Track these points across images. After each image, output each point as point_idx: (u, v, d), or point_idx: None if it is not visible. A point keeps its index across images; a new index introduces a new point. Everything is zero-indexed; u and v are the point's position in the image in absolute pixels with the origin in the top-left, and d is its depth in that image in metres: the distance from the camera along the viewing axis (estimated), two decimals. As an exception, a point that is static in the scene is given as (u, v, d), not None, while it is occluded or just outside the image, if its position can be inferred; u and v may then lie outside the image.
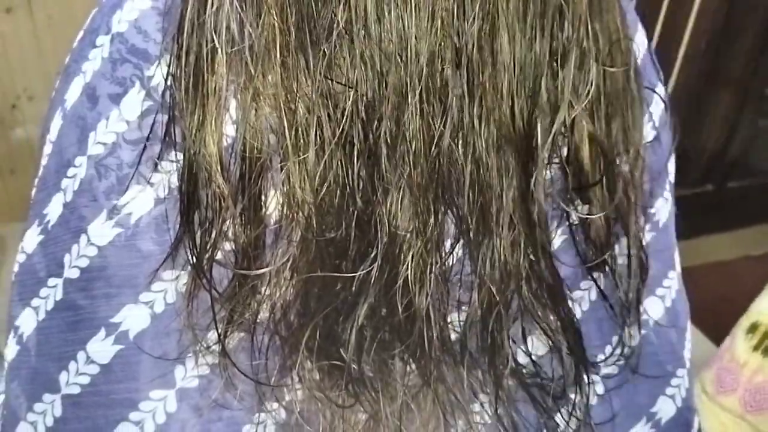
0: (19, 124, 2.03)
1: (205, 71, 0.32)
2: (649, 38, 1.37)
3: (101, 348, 0.37)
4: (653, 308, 0.46)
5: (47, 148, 0.39)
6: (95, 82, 0.36)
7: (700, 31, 1.71)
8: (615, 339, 0.44)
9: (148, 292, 0.36)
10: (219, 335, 0.36)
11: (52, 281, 0.37)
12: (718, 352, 0.98)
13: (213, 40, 0.31)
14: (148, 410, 0.37)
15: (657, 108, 0.46)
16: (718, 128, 2.08)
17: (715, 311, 1.14)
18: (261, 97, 0.32)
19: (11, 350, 0.40)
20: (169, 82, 0.34)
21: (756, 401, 0.87)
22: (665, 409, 0.46)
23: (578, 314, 0.42)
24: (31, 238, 0.39)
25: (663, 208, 0.47)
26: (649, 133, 0.44)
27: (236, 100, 0.33)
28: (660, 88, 0.46)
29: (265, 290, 0.36)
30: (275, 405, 0.39)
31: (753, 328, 0.91)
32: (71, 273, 0.36)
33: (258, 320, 0.37)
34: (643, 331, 0.45)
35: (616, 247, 0.42)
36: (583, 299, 0.43)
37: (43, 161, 0.40)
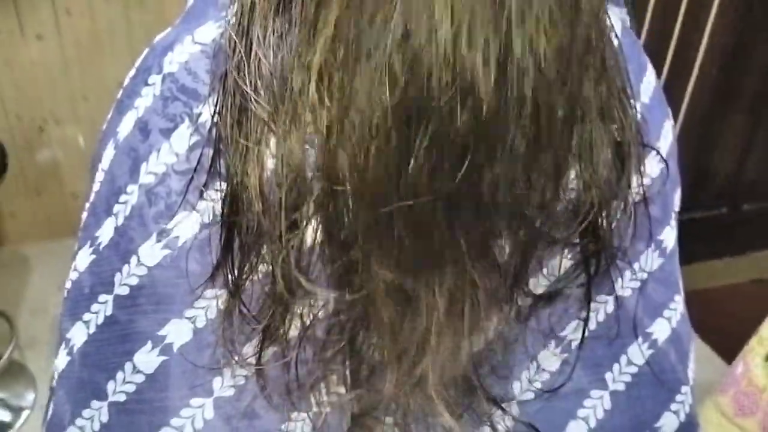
0: (45, 147, 2.09)
1: (247, 111, 0.36)
2: (663, 60, 1.40)
3: (147, 359, 0.40)
4: (660, 329, 0.48)
5: (99, 176, 0.43)
6: (147, 117, 0.40)
7: (713, 53, 1.73)
8: (623, 358, 0.47)
9: (191, 309, 0.40)
10: (255, 349, 0.39)
11: (102, 298, 0.41)
12: (733, 376, 1.00)
13: (254, 86, 0.35)
14: (187, 416, 0.41)
15: (665, 142, 0.49)
16: (732, 150, 2.09)
17: (727, 332, 1.16)
18: (297, 136, 0.35)
19: (61, 361, 0.44)
20: (215, 120, 0.37)
21: (777, 426, 0.89)
22: (669, 423, 0.48)
23: (593, 326, 0.45)
24: (83, 258, 0.42)
25: (669, 235, 0.49)
26: (656, 167, 0.47)
27: (275, 137, 0.36)
28: (668, 123, 0.49)
29: (296, 309, 0.39)
30: (303, 415, 0.42)
31: (770, 355, 0.94)
32: (121, 290, 0.40)
33: (289, 337, 0.40)
34: (651, 351, 0.48)
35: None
36: (598, 312, 0.46)
37: (95, 187, 0.43)
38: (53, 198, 2.17)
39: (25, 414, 1.65)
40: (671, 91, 1.78)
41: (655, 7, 1.63)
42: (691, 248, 2.38)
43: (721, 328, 1.58)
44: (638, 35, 1.64)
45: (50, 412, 0.49)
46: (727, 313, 1.78)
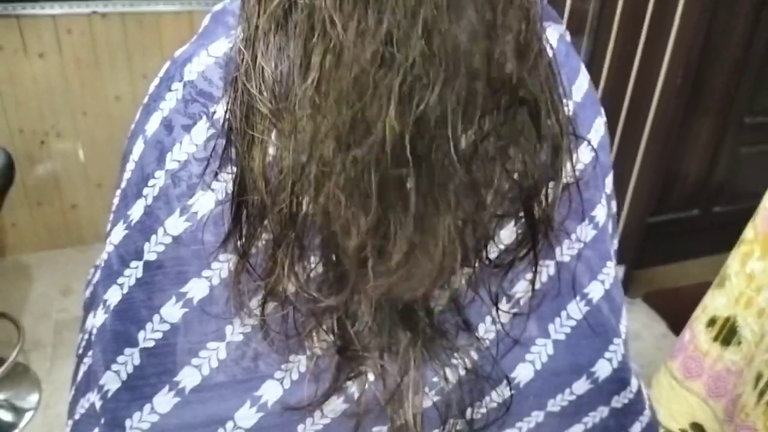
0: (46, 160, 2.17)
1: (253, 110, 0.45)
2: (629, 69, 1.51)
3: (172, 311, 0.49)
4: (595, 290, 0.57)
5: (130, 166, 0.52)
6: (171, 116, 0.49)
7: (677, 62, 1.81)
8: (563, 313, 0.56)
9: (207, 270, 0.48)
10: (259, 302, 0.48)
11: (134, 264, 0.50)
12: (681, 343, 1.09)
13: (259, 89, 0.44)
14: (205, 357, 0.49)
15: (596, 135, 0.57)
16: (701, 155, 2.18)
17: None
18: (295, 128, 0.44)
19: (99, 319, 0.52)
20: (227, 116, 0.46)
21: (717, 387, 0.98)
22: (603, 369, 0.57)
23: (538, 285, 0.54)
24: (117, 233, 0.51)
25: (601, 212, 0.57)
26: (588, 155, 0.56)
27: (276, 130, 0.45)
28: (599, 120, 0.58)
29: (293, 270, 0.48)
30: (299, 357, 0.50)
31: (711, 322, 1.03)
32: (150, 257, 0.49)
33: (288, 293, 0.48)
34: (587, 308, 0.56)
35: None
36: (542, 274, 0.55)
37: (126, 176, 0.52)
38: (53, 209, 2.25)
39: (28, 415, 1.70)
40: (638, 100, 1.86)
41: (620, 19, 1.72)
42: (664, 249, 2.47)
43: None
44: (605, 47, 1.75)
45: (86, 366, 0.58)
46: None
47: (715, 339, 1.02)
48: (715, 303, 1.06)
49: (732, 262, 1.08)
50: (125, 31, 2.05)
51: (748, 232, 1.09)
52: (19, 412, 1.72)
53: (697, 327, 1.06)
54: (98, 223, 2.31)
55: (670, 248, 2.27)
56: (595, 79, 1.77)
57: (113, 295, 0.51)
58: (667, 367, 1.08)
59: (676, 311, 1.19)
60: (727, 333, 1.01)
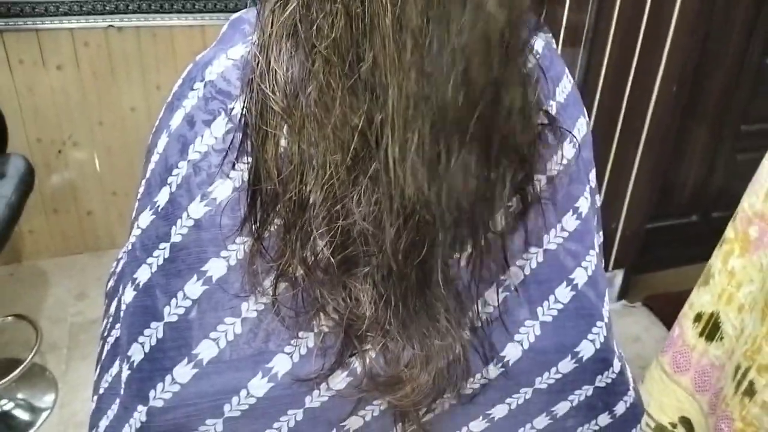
0: (63, 168, 2.23)
1: (266, 107, 0.49)
2: (626, 78, 1.56)
3: (194, 288, 0.53)
4: (580, 275, 0.60)
5: (154, 158, 0.56)
6: (193, 113, 0.54)
7: (673, 70, 1.84)
8: (551, 297, 0.59)
9: (225, 251, 0.53)
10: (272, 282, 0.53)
11: (162, 245, 0.54)
12: (671, 339, 1.13)
13: (272, 89, 0.49)
14: (222, 331, 0.53)
15: (579, 133, 0.61)
16: (699, 162, 2.22)
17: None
18: (304, 125, 0.49)
19: (129, 295, 0.57)
20: (244, 112, 0.51)
21: (703, 382, 1.02)
22: (586, 349, 0.60)
23: (527, 272, 0.58)
24: (145, 218, 0.56)
25: (584, 204, 0.61)
26: (571, 151, 0.60)
27: (287, 126, 0.50)
28: (582, 119, 0.62)
29: (302, 254, 0.52)
30: (308, 334, 0.54)
31: (698, 317, 1.07)
32: (176, 239, 0.54)
33: (297, 274, 0.53)
34: (573, 293, 0.60)
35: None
36: (527, 264, 0.59)
37: (151, 167, 0.57)
38: (69, 216, 2.31)
39: (45, 414, 1.75)
40: (635, 107, 1.90)
41: (616, 29, 1.76)
42: (663, 254, 2.49)
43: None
44: (601, 56, 1.80)
45: (110, 344, 0.63)
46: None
47: (701, 334, 1.06)
48: (700, 300, 1.11)
49: (715, 260, 1.12)
50: (140, 44, 2.11)
51: (729, 232, 1.13)
52: (35, 411, 1.76)
53: (685, 323, 1.10)
54: (113, 229, 2.36)
55: (669, 254, 2.30)
56: (591, 87, 1.82)
57: (142, 274, 0.56)
58: (658, 361, 1.11)
59: (675, 315, 1.23)
60: (711, 328, 1.05)
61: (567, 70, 0.63)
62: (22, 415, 1.76)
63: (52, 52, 2.04)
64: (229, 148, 0.52)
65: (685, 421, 1.12)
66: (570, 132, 0.60)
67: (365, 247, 0.51)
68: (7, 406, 1.78)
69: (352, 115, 0.48)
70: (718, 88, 2.09)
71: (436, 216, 0.49)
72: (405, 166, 0.48)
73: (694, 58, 1.90)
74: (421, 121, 0.47)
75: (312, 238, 0.51)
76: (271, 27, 0.50)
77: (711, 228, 2.36)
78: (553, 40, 0.65)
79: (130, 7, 2.07)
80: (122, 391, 0.57)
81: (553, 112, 0.58)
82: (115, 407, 0.60)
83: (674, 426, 1.17)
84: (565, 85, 0.62)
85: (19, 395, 1.80)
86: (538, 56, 0.57)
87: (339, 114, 0.48)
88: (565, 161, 0.59)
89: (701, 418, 1.07)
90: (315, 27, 0.48)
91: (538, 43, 0.59)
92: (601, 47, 1.73)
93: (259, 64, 0.50)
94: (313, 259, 0.51)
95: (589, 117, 0.67)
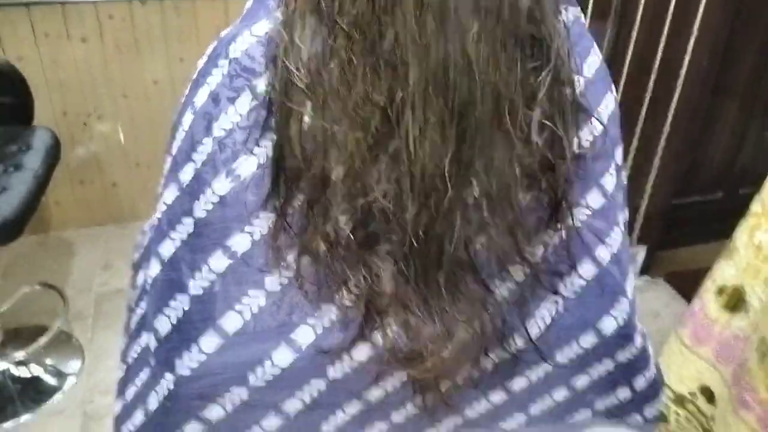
0: (88, 140, 2.25)
1: (290, 84, 0.50)
2: (655, 50, 1.53)
3: (218, 262, 0.54)
4: (604, 253, 0.61)
5: (180, 135, 0.57)
6: (218, 90, 0.54)
7: (703, 45, 1.81)
8: (575, 273, 0.59)
9: (249, 226, 0.53)
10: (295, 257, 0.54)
11: (186, 220, 0.55)
12: (692, 312, 1.13)
13: (296, 66, 0.49)
14: (246, 303, 0.54)
15: (606, 109, 0.61)
16: (727, 138, 2.18)
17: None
18: (327, 101, 0.49)
19: (154, 269, 0.58)
20: (268, 89, 0.51)
21: (725, 353, 1.02)
22: (608, 325, 0.61)
23: (551, 249, 0.58)
24: (171, 194, 0.57)
25: (609, 181, 0.61)
26: (598, 127, 0.59)
27: (310, 102, 0.50)
28: (609, 95, 0.62)
29: (325, 229, 0.53)
30: (331, 307, 0.55)
31: (720, 291, 1.07)
32: (200, 214, 0.54)
33: (319, 250, 0.54)
34: (597, 269, 0.60)
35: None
36: (554, 237, 0.58)
37: (176, 143, 0.57)
38: (94, 187, 2.34)
39: (71, 379, 1.79)
40: (664, 81, 1.87)
41: (646, 2, 1.73)
42: (688, 230, 2.47)
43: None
44: (630, 30, 1.76)
45: (138, 315, 0.64)
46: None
47: (725, 307, 1.06)
48: (723, 273, 1.10)
49: (740, 234, 1.11)
50: (163, 17, 2.11)
51: (756, 206, 1.12)
52: (62, 376, 1.81)
53: (707, 296, 1.10)
54: (137, 201, 2.39)
55: (694, 230, 2.28)
56: (619, 62, 1.79)
57: (167, 248, 0.57)
58: (677, 335, 1.12)
59: (696, 291, 1.23)
60: (736, 301, 1.05)
61: (595, 45, 0.63)
62: (50, 380, 1.80)
63: (77, 25, 2.05)
64: (253, 125, 0.53)
65: (705, 390, 1.12)
66: (593, 114, 0.59)
67: (386, 225, 0.51)
68: (36, 370, 1.83)
69: (373, 93, 0.48)
70: (748, 65, 2.04)
71: (456, 194, 0.49)
72: (425, 144, 0.48)
73: (725, 34, 1.85)
74: (442, 100, 0.47)
75: (334, 215, 0.51)
76: (295, 2, 0.50)
77: (736, 205, 2.33)
78: (582, 14, 0.64)
79: (153, -20, 2.06)
80: (151, 361, 0.59)
81: (581, 87, 0.57)
82: (143, 376, 0.61)
83: (693, 395, 1.18)
84: (594, 60, 0.61)
85: (48, 361, 1.84)
86: (567, 29, 0.56)
87: (360, 91, 0.48)
88: (591, 137, 0.59)
89: (723, 388, 1.07)
90: (337, 2, 0.47)
91: (568, 16, 0.59)
92: (630, 21, 1.70)
93: (283, 41, 0.50)
94: (335, 235, 0.52)
95: (616, 92, 0.66)
